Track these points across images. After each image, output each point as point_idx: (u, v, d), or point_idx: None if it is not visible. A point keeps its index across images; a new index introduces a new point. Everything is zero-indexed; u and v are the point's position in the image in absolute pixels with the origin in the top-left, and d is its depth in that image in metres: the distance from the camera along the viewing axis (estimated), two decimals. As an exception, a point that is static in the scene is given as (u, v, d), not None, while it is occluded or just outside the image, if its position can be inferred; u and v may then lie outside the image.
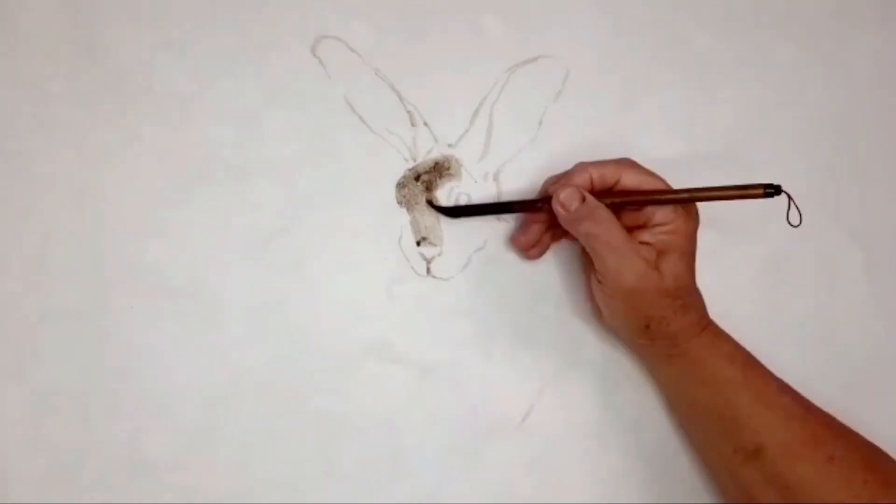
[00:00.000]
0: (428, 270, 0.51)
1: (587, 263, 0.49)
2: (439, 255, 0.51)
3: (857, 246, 0.56)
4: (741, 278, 0.54)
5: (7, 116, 0.46)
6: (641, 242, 0.46)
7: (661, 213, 0.46)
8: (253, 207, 0.49)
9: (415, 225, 0.51)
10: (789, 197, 0.45)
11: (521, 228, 0.51)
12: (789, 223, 0.46)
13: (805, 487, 0.45)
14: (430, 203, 0.50)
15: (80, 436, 0.46)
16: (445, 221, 0.51)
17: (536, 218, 0.49)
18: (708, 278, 0.49)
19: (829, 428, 0.47)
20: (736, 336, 0.49)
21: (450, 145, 0.51)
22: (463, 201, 0.51)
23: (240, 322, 0.48)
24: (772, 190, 0.45)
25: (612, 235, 0.45)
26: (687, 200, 0.46)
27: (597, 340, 0.52)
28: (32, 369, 0.46)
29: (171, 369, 0.47)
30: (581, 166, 0.47)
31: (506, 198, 0.51)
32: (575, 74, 0.53)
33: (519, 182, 0.52)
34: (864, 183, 0.56)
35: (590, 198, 0.46)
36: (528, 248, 0.50)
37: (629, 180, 0.46)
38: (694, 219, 0.47)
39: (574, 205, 0.46)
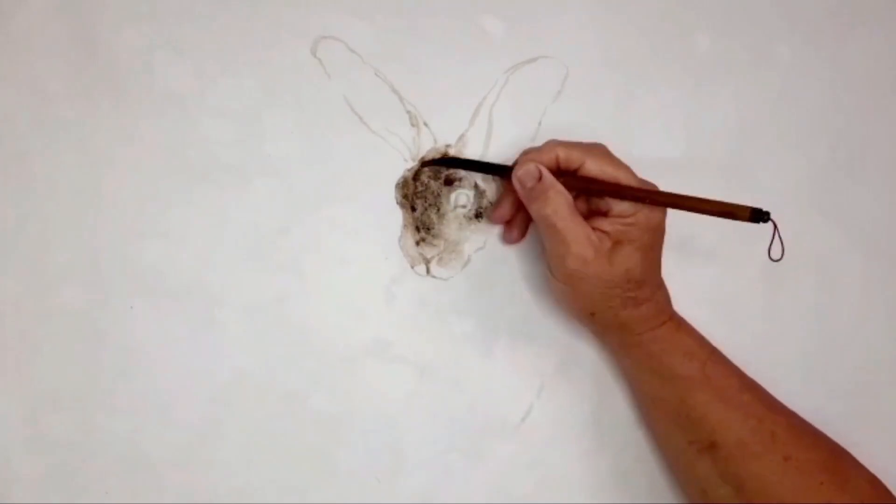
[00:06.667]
0: (428, 270, 0.51)
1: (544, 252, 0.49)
2: (439, 254, 0.51)
3: (856, 246, 0.56)
4: (741, 279, 0.54)
5: (7, 116, 0.46)
6: (599, 230, 0.45)
7: (621, 206, 0.45)
8: (253, 207, 0.49)
9: (414, 225, 0.51)
10: (775, 227, 0.42)
11: (499, 200, 0.50)
12: (770, 257, 0.43)
13: (759, 485, 0.45)
14: (423, 162, 0.50)
15: (80, 436, 0.46)
16: (445, 222, 0.51)
17: (510, 190, 0.48)
18: (708, 279, 0.49)
19: (791, 428, 0.47)
20: (735, 337, 0.49)
21: (449, 145, 0.51)
22: (462, 201, 0.51)
23: (240, 322, 0.48)
24: (759, 216, 0.41)
25: (559, 218, 0.44)
26: (656, 203, 0.45)
27: (597, 340, 0.53)
28: (32, 369, 0.46)
29: (171, 369, 0.47)
30: (550, 144, 0.46)
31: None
32: (575, 74, 0.53)
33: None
34: (863, 183, 0.56)
35: (546, 178, 0.45)
36: (502, 221, 0.50)
37: (592, 167, 0.45)
38: (658, 213, 0.46)
39: (529, 182, 0.45)
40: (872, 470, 0.48)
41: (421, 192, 0.51)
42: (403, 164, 0.51)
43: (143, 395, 0.47)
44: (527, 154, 0.47)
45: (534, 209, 0.46)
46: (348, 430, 0.49)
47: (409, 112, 0.51)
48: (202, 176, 0.48)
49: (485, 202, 0.52)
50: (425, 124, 0.51)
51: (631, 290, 0.45)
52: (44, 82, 0.47)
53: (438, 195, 0.51)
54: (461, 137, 0.51)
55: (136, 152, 0.47)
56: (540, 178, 0.45)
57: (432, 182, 0.51)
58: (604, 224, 0.45)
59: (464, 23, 0.51)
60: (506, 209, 0.50)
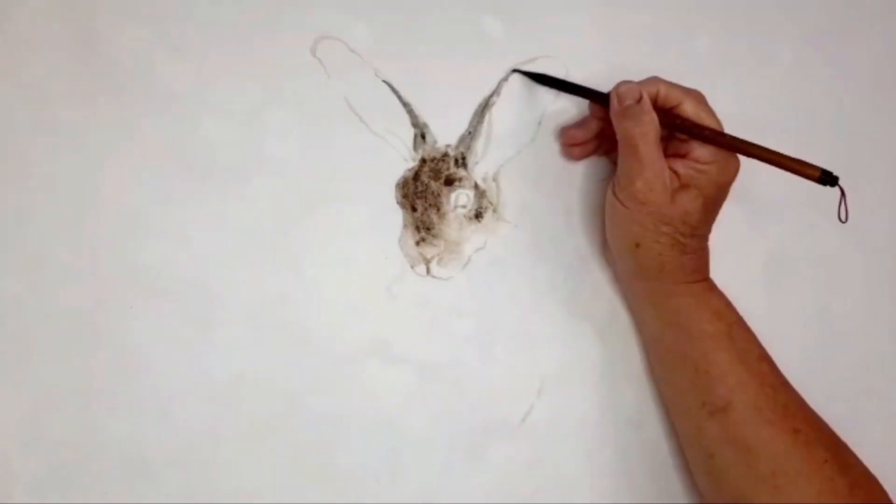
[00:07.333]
0: (428, 270, 0.51)
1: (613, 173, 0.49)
2: (439, 254, 0.51)
3: (856, 246, 0.56)
4: (741, 278, 0.54)
5: (7, 116, 0.46)
6: (671, 170, 0.47)
7: (700, 151, 0.47)
8: (253, 207, 0.49)
9: (414, 224, 0.51)
10: (842, 192, 0.46)
11: (580, 122, 0.52)
12: (840, 219, 0.46)
13: (765, 452, 0.45)
14: (519, 70, 0.52)
15: (80, 436, 0.46)
16: (445, 222, 0.51)
17: (598, 114, 0.50)
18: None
19: (801, 406, 0.48)
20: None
21: (449, 145, 0.51)
22: (462, 201, 0.51)
23: (240, 322, 0.48)
24: (827, 178, 0.45)
25: (644, 142, 0.46)
26: (735, 150, 0.46)
27: (597, 340, 0.53)
28: (32, 369, 0.46)
29: (171, 369, 0.47)
30: (654, 79, 0.48)
31: (505, 194, 0.52)
32: (575, 74, 0.53)
33: (519, 182, 0.52)
34: (863, 183, 0.56)
35: (646, 101, 0.46)
36: (577, 143, 0.51)
37: (688, 109, 0.47)
38: (730, 170, 0.47)
39: (628, 101, 0.46)
40: (872, 469, 0.48)
41: (421, 192, 0.51)
42: (403, 164, 0.51)
43: (143, 395, 0.47)
44: (626, 83, 0.48)
45: (624, 126, 0.46)
46: (348, 430, 0.49)
47: (409, 112, 0.51)
48: (202, 176, 0.48)
49: (485, 202, 0.52)
50: (425, 124, 0.51)
51: (683, 234, 0.46)
52: (44, 82, 0.47)
53: (438, 195, 0.51)
54: (461, 138, 0.51)
55: (135, 152, 0.47)
56: (640, 99, 0.46)
57: (432, 182, 0.51)
58: (678, 165, 0.47)
59: (464, 23, 0.52)
60: (581, 132, 0.51)
